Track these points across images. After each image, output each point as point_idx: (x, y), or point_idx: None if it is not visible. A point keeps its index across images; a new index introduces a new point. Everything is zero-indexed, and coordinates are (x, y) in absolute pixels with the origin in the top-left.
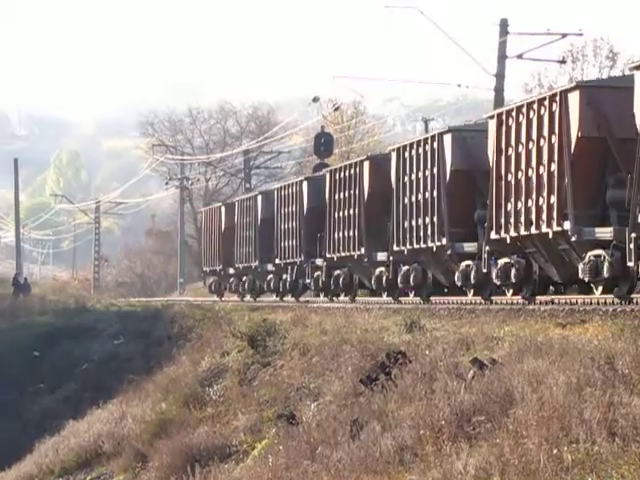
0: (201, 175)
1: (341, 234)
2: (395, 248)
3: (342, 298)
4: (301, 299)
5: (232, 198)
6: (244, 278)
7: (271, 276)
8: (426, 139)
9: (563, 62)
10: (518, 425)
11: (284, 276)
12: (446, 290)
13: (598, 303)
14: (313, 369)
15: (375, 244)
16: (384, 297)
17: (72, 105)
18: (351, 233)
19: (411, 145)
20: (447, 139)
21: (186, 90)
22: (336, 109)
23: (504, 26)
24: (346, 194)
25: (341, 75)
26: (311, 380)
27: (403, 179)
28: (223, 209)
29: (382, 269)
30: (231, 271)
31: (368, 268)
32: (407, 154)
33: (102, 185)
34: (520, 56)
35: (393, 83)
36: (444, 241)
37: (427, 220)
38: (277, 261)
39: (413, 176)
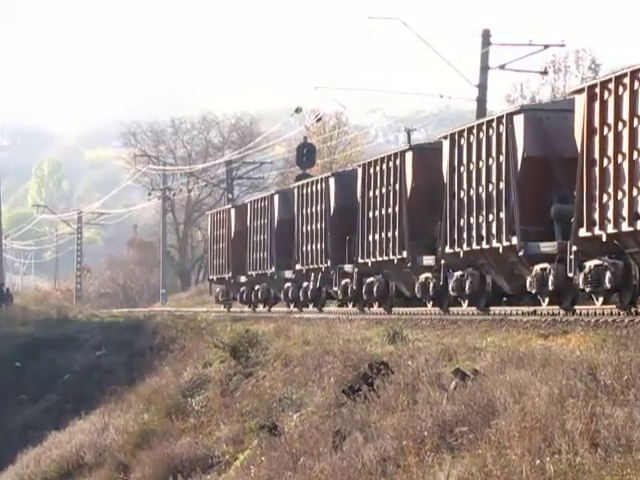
0: (183, 186)
1: (377, 236)
2: (448, 250)
3: (375, 309)
4: (325, 309)
5: (215, 208)
6: (257, 287)
7: (289, 284)
8: (490, 122)
9: (545, 73)
10: (500, 436)
11: (305, 284)
12: (505, 299)
13: (580, 314)
14: (295, 380)
15: (419, 247)
16: (429, 307)
17: (54, 115)
18: (390, 235)
19: (470, 130)
20: (519, 121)
21: (168, 101)
22: (318, 120)
23: (486, 37)
24: (383, 191)
25: (324, 86)
26: (293, 391)
27: (459, 170)
28: (233, 211)
29: (428, 275)
30: (242, 279)
31: (410, 274)
32: (464, 140)
33: (84, 195)
34: (502, 67)
35: (376, 94)
36: (514, 240)
37: (491, 217)
38: (297, 267)
39: (472, 166)
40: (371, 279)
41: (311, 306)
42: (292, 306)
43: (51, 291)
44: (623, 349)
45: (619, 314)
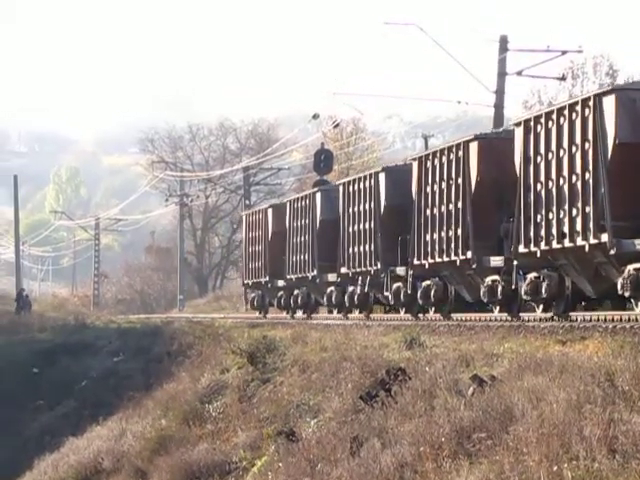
0: (201, 192)
1: (435, 235)
2: (521, 250)
3: (431, 314)
4: (373, 316)
5: (232, 215)
6: (296, 291)
7: (332, 288)
8: (573, 105)
9: (563, 79)
10: (518, 442)
11: (350, 288)
12: (583, 303)
13: (598, 320)
14: (313, 386)
15: (485, 247)
16: (496, 312)
17: (72, 122)
18: (451, 233)
19: (548, 114)
20: (609, 103)
21: (186, 107)
22: (336, 126)
23: (504, 43)
24: (442, 186)
25: (341, 92)
26: (311, 397)
27: (535, 160)
28: (270, 211)
29: (495, 278)
30: (280, 283)
31: (473, 277)
32: (541, 127)
33: (102, 202)
34: (520, 73)
35: (393, 100)
36: (604, 238)
37: (574, 211)
38: (343, 270)
39: (550, 155)
40: (427, 282)
41: (357, 312)
42: (335, 312)
43: (69, 297)
44: None
45: (637, 320)
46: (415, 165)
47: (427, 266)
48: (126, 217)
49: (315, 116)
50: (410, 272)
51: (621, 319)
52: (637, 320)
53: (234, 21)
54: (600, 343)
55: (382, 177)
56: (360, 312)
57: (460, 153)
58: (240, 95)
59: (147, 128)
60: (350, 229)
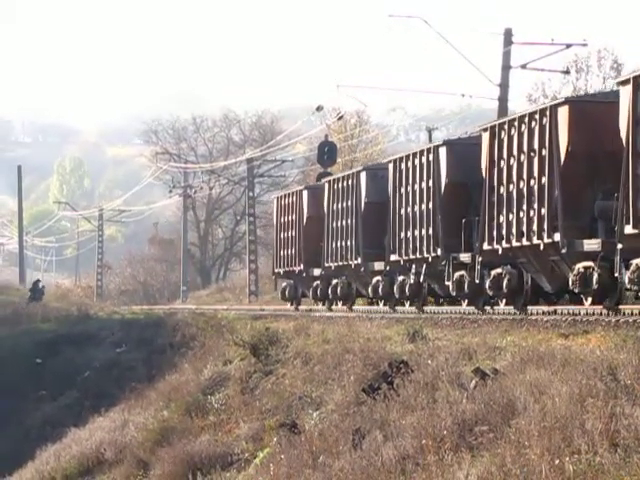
0: (204, 183)
1: (512, 217)
2: (628, 231)
3: (501, 307)
4: (426, 309)
5: (236, 206)
6: (334, 281)
7: (379, 278)
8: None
9: (567, 72)
10: (520, 435)
11: (400, 278)
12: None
13: (601, 314)
14: (315, 378)
15: (575, 228)
16: (587, 305)
17: (76, 112)
18: (532, 214)
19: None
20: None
21: (190, 98)
22: (340, 118)
23: (508, 36)
24: (522, 159)
25: (345, 84)
26: (313, 389)
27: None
28: (306, 193)
29: (588, 264)
30: (316, 272)
31: (559, 263)
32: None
33: (105, 193)
34: (524, 66)
35: (397, 92)
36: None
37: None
38: (393, 258)
39: None
40: (498, 271)
41: (407, 304)
42: (381, 304)
43: (72, 288)
44: None
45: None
46: (486, 136)
47: (500, 251)
48: (130, 208)
49: (319, 108)
50: (478, 259)
51: (624, 313)
52: None
53: (239, 13)
54: (603, 337)
55: (443, 152)
56: (411, 304)
57: (545, 120)
58: (244, 87)
59: (151, 119)
60: (402, 212)
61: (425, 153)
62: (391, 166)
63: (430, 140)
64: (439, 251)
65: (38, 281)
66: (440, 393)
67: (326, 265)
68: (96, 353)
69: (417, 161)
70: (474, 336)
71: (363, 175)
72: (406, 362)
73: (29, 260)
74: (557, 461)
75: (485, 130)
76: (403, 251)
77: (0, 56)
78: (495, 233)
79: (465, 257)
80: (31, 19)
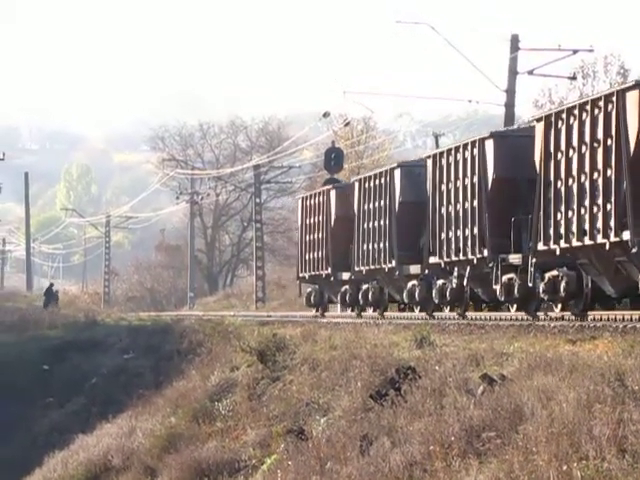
0: (211, 190)
1: (571, 214)
2: None
3: (556, 313)
4: (470, 315)
5: (242, 213)
6: (365, 286)
7: (414, 282)
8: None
9: (574, 78)
10: (528, 441)
11: (439, 282)
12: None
13: (608, 319)
14: (322, 384)
15: None
16: None
17: (83, 119)
18: (596, 210)
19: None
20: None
21: (197, 105)
22: (346, 124)
23: (515, 42)
24: (583, 150)
25: (352, 90)
26: (320, 395)
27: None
28: (334, 193)
29: None
30: (345, 276)
31: (625, 265)
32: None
33: (112, 199)
34: (531, 72)
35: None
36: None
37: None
38: (432, 260)
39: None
40: (554, 273)
41: (447, 310)
42: (417, 310)
43: (79, 294)
44: None
45: None
46: (540, 127)
47: (558, 252)
48: (137, 215)
49: (325, 114)
50: (531, 260)
51: (631, 318)
52: None
53: (246, 19)
54: (610, 343)
55: (490, 145)
56: (451, 309)
57: (611, 107)
58: (251, 93)
59: (157, 126)
60: (443, 210)
61: (469, 147)
62: (430, 162)
63: (437, 146)
64: (485, 252)
65: (52, 285)
66: (447, 399)
67: (356, 269)
68: (103, 359)
69: (460, 156)
70: (481, 342)
71: (397, 173)
72: (413, 368)
73: (36, 267)
74: (565, 467)
75: (539, 120)
76: (444, 253)
77: (6, 64)
78: (552, 232)
79: (515, 258)
80: (36, 27)
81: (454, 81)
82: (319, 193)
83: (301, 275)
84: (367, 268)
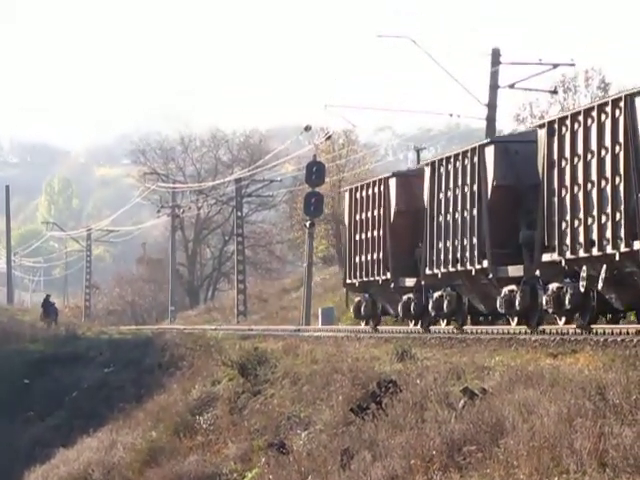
0: (193, 203)
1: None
2: None
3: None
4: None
5: (224, 226)
6: (437, 293)
7: (512, 288)
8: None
9: (555, 92)
10: (509, 455)
11: (551, 286)
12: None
13: (589, 333)
14: (304, 398)
15: None
16: None
17: (64, 133)
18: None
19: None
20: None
21: (178, 118)
22: (328, 138)
23: (496, 56)
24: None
25: (333, 104)
26: (302, 409)
27: None
28: (394, 182)
29: None
30: (409, 282)
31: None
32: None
33: (93, 213)
34: (512, 86)
35: (385, 112)
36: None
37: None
38: (547, 258)
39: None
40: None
41: (560, 322)
42: (514, 322)
43: (60, 308)
44: (632, 369)
45: (628, 333)
46: (542, 134)
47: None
48: (118, 228)
49: (307, 128)
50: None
51: (612, 332)
52: (628, 333)
53: (227, 33)
54: (591, 356)
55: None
56: (567, 322)
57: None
58: (232, 106)
59: (139, 139)
60: (565, 194)
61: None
62: (543, 133)
63: (418, 160)
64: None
65: (49, 296)
66: (429, 413)
67: (428, 272)
68: (84, 373)
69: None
70: (462, 355)
71: (489, 151)
72: (395, 382)
73: (17, 280)
74: None
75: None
76: (569, 247)
77: None
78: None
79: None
80: (15, 38)
81: (435, 95)
82: (374, 183)
83: (349, 282)
84: (444, 271)
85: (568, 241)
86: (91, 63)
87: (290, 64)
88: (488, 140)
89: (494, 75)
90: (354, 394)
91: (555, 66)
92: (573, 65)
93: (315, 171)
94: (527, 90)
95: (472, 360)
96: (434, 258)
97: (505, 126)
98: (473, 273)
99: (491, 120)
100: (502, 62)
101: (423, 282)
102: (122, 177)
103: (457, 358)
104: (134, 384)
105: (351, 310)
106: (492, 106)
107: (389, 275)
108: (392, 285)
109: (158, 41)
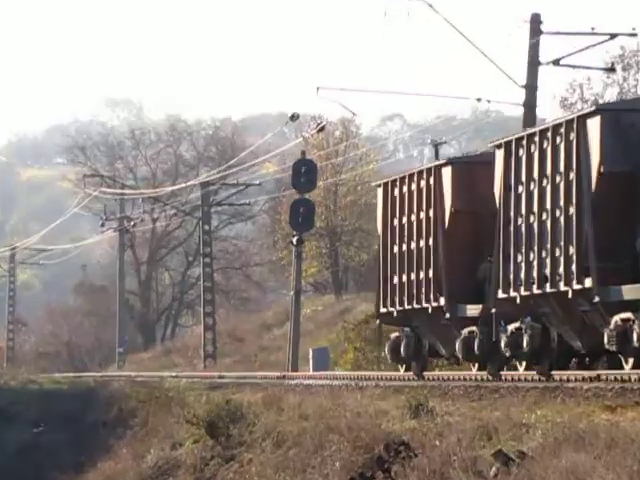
0: (146, 214)
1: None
2: None
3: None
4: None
5: (187, 244)
6: (515, 326)
7: (628, 317)
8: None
9: (612, 70)
10: None
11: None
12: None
13: None
14: (290, 465)
15: None
16: None
17: None
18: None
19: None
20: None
21: (127, 105)
22: (320, 130)
23: (536, 23)
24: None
25: (327, 86)
26: (288, 479)
27: None
28: (449, 172)
29: None
30: (471, 311)
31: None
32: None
33: (19, 226)
34: (557, 62)
35: (393, 97)
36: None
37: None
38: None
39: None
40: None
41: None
42: (628, 365)
43: None
44: None
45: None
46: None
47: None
48: (50, 247)
49: (294, 117)
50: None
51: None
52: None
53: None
54: None
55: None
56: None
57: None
58: (197, 90)
59: (76, 132)
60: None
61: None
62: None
63: (437, 157)
64: (442, 300)
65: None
66: None
67: (500, 296)
68: (7, 434)
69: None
70: (494, 409)
71: (594, 123)
72: (407, 443)
73: None
74: None
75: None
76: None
77: None
78: (511, 277)
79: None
80: None
81: (458, 75)
82: (420, 174)
83: (383, 311)
84: (525, 294)
85: (522, 276)
86: (22, 45)
87: (272, 36)
88: (594, 108)
89: (534, 48)
90: (355, 460)
91: (612, 36)
92: (635, 35)
93: (304, 172)
94: (576, 67)
95: (507, 415)
96: (510, 277)
97: (548, 114)
98: (569, 296)
99: (530, 106)
100: (544, 32)
101: (493, 310)
102: (55, 180)
103: (487, 413)
104: (72, 448)
105: (386, 350)
106: (531, 88)
107: (442, 301)
108: (446, 315)
109: (102, 17)
